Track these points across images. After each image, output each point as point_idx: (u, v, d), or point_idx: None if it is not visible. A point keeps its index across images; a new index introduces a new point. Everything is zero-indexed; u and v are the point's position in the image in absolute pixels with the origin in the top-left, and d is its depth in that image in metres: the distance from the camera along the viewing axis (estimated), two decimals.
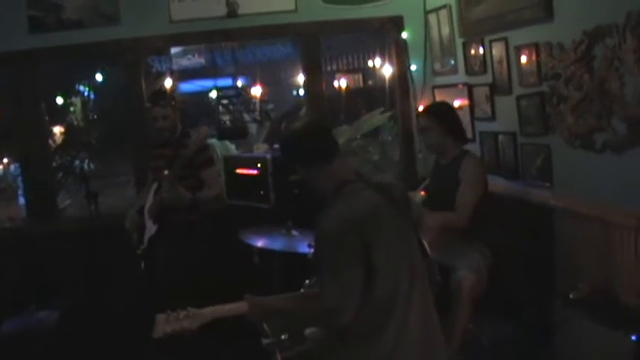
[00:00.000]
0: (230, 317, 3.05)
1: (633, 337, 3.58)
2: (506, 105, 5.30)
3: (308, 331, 3.40)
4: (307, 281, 3.80)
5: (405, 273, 2.85)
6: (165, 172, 4.86)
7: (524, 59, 4.97)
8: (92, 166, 11.01)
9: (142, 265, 5.00)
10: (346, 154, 8.26)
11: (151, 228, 4.99)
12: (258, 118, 8.84)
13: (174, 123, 5.11)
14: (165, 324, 2.91)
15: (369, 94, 11.39)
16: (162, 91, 6.21)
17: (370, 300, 2.76)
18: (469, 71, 5.83)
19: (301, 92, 7.04)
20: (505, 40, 5.20)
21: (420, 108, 6.23)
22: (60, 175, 9.52)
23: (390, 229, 2.87)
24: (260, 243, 4.55)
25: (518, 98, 5.08)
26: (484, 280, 4.38)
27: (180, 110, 5.46)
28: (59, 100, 10.53)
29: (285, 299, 3.16)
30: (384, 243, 2.80)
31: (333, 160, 3.02)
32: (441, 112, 4.97)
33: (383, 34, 6.80)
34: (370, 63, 11.29)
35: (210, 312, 3.00)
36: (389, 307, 2.79)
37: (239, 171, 5.74)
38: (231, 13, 6.14)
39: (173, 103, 5.16)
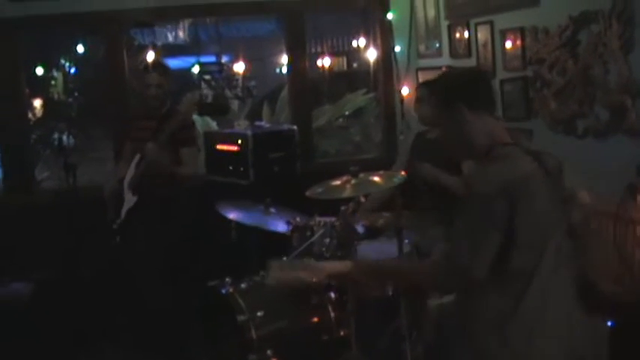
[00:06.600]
0: None
1: (609, 324, 3.59)
2: None
3: None
4: (285, 258, 3.76)
5: (550, 252, 2.61)
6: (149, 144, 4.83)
7: (509, 43, 4.96)
8: (72, 139, 10.90)
9: (117, 239, 4.97)
10: (327, 133, 8.39)
11: (130, 200, 4.96)
12: (240, 94, 8.77)
13: (165, 95, 5.10)
14: (280, 271, 2.87)
15: (353, 75, 11.34)
16: (162, 62, 6.18)
17: (504, 271, 2.57)
18: (453, 54, 5.80)
19: (284, 70, 6.97)
20: (491, 23, 5.18)
21: (404, 89, 6.20)
22: (38, 147, 9.43)
23: (541, 201, 2.60)
24: (237, 217, 4.53)
25: (502, 82, 5.07)
26: None
27: None
28: (39, 71, 10.38)
29: (392, 260, 3.02)
30: (532, 214, 2.56)
31: (494, 113, 2.83)
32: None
33: (368, 14, 6.76)
34: (355, 44, 11.22)
35: (325, 267, 2.97)
36: (522, 284, 2.57)
37: (219, 147, 5.69)
38: None
39: (169, 75, 5.17)
